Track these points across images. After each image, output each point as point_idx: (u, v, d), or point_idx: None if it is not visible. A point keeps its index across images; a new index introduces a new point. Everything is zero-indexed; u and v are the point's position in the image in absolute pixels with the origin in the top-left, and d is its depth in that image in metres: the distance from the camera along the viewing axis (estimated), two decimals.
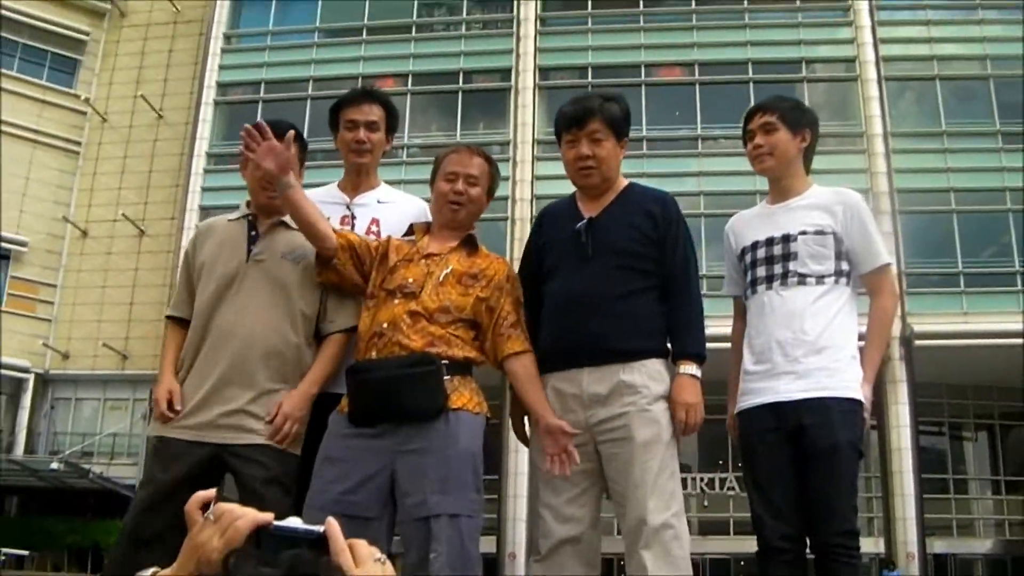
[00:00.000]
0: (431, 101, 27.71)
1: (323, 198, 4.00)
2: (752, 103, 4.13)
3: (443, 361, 3.38)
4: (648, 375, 3.48)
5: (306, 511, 3.26)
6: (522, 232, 22.02)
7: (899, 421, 22.80)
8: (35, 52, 31.25)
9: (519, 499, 22.66)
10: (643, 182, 3.93)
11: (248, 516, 1.24)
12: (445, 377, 3.36)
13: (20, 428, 28.56)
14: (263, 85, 28.29)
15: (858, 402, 3.60)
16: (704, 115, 25.53)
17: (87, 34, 32.00)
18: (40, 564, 25.15)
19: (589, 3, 27.84)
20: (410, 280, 3.51)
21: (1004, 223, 24.34)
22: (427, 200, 3.93)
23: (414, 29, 28.39)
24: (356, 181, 4.07)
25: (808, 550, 3.59)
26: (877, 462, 23.74)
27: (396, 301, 3.47)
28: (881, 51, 26.01)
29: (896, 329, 23.06)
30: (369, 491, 3.29)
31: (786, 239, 3.77)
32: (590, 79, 26.16)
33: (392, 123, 4.12)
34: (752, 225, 3.95)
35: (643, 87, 26.00)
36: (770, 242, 3.81)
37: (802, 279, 3.71)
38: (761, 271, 3.80)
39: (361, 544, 1.22)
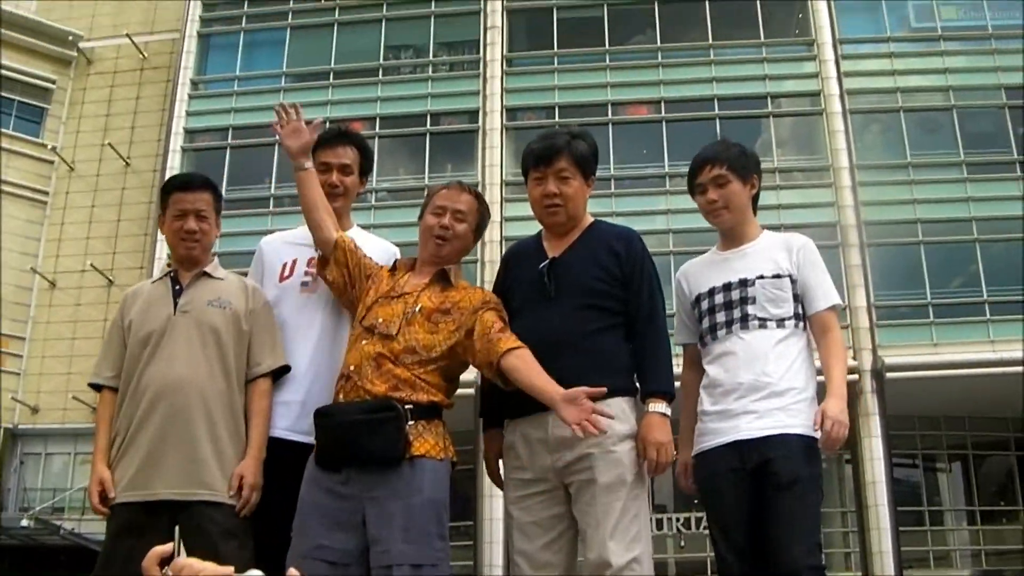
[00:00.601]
0: (399, 144, 27.68)
1: (293, 240, 4.11)
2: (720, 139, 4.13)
3: (407, 406, 3.35)
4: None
5: (289, 558, 3.31)
6: (492, 274, 21.90)
7: (872, 454, 22.76)
8: (1, 101, 31.04)
9: (495, 545, 22.46)
10: (612, 221, 3.93)
11: (208, 570, 1.21)
12: (409, 423, 3.34)
13: None
14: (231, 131, 28.19)
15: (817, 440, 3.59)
16: (672, 152, 25.55)
17: (53, 82, 31.82)
18: None
19: (555, 43, 27.93)
20: (380, 320, 3.52)
21: (971, 253, 24.42)
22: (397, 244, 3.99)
23: (381, 72, 28.36)
24: None
25: None
26: (852, 496, 23.71)
27: (364, 342, 3.48)
28: (845, 84, 26.15)
29: (867, 362, 23.16)
30: (345, 538, 3.31)
31: (743, 283, 3.78)
32: (557, 119, 26.18)
33: (366, 165, 4.16)
34: (706, 272, 3.94)
35: (610, 125, 26.02)
36: (727, 287, 3.81)
37: (762, 323, 3.71)
38: (720, 316, 3.79)
39: None
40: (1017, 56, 25.60)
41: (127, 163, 30.47)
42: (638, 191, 25.41)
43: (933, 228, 24.66)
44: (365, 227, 4.28)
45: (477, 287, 3.74)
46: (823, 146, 25.91)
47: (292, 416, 3.78)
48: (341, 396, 3.48)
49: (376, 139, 26.38)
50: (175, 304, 3.71)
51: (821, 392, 3.74)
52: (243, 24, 29.84)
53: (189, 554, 3.24)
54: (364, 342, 3.49)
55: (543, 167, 3.68)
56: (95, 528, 25.31)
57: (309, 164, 3.81)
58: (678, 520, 24.33)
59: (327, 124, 4.06)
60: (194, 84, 29.29)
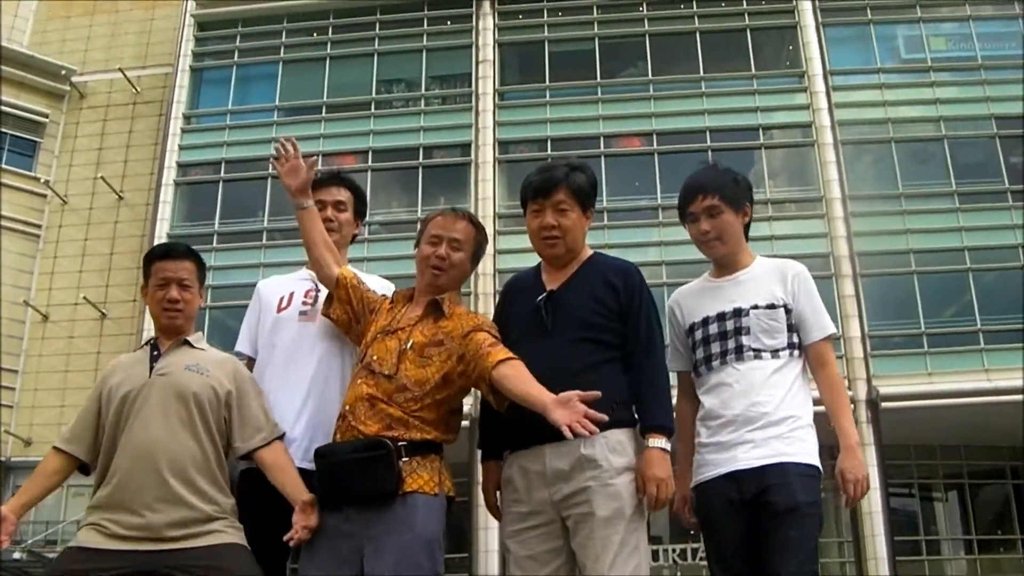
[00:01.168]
0: (392, 177, 27.69)
1: (290, 277, 4.16)
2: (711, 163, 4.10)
3: (400, 443, 3.35)
4: (608, 447, 3.43)
5: None
6: (485, 307, 21.92)
7: (869, 484, 22.67)
8: None
9: None
10: (605, 253, 3.90)
11: None
12: (403, 459, 3.35)
13: None
14: (223, 164, 28.21)
15: (816, 468, 3.58)
16: (664, 184, 25.58)
17: (46, 116, 31.76)
18: None
19: (547, 76, 28.07)
20: (375, 358, 3.52)
21: (965, 282, 24.47)
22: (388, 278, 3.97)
23: (373, 106, 28.44)
24: None
25: None
26: (848, 526, 23.62)
27: (360, 380, 3.49)
28: (837, 115, 26.30)
29: (862, 392, 23.13)
30: (352, 574, 3.31)
31: (738, 313, 3.76)
32: (549, 151, 26.28)
33: (360, 208, 4.20)
34: (700, 300, 3.92)
35: (602, 158, 26.09)
36: (721, 317, 3.79)
37: (757, 354, 3.69)
38: (715, 347, 3.77)
39: None
40: (1006, 86, 25.78)
41: (120, 196, 30.43)
42: (631, 223, 25.45)
43: (926, 258, 24.71)
44: (359, 260, 4.28)
45: (471, 313, 3.73)
46: (815, 177, 26.00)
47: (289, 444, 3.77)
48: (338, 436, 3.51)
49: (369, 172, 26.45)
50: (151, 369, 3.67)
51: (818, 421, 3.73)
52: (235, 58, 29.94)
53: None
54: (360, 381, 3.51)
55: (541, 199, 3.68)
56: None
57: (309, 202, 3.83)
58: (674, 551, 24.17)
59: (320, 161, 4.06)
60: (187, 118, 29.32)
